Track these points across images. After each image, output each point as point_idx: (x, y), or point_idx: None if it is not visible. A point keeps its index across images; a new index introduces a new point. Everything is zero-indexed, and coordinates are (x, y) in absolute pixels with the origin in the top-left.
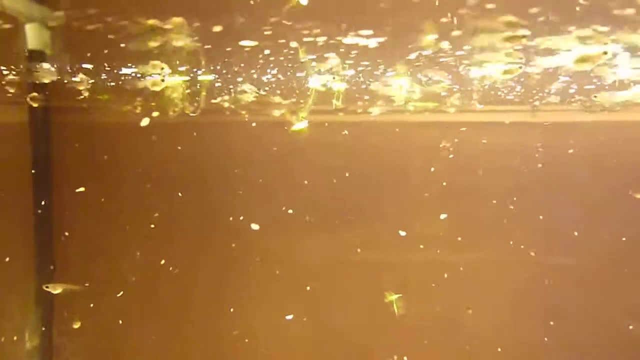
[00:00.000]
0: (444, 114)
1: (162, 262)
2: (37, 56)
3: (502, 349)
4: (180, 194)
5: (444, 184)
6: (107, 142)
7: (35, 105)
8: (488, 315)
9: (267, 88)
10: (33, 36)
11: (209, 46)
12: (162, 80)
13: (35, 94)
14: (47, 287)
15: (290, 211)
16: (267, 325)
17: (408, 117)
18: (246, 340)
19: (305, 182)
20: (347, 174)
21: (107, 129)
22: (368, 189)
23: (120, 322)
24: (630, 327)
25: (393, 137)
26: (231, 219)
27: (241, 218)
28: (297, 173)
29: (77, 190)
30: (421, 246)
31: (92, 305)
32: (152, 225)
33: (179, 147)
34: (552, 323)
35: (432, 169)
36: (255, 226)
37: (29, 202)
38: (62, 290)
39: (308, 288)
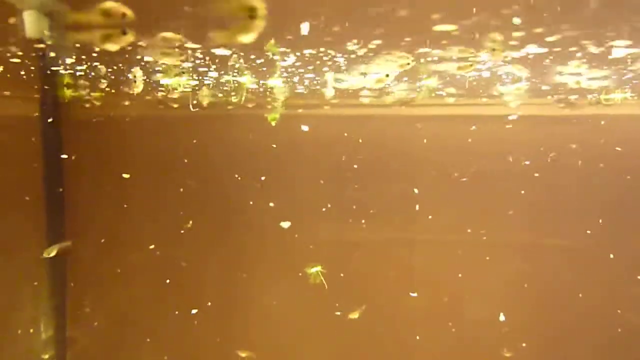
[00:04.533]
0: (448, 107)
1: (174, 253)
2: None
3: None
4: (192, 185)
5: (455, 174)
6: (117, 133)
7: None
8: (490, 299)
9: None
10: (31, 24)
11: None
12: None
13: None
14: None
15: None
16: (284, 307)
17: (413, 111)
18: (260, 326)
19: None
20: (355, 166)
21: (117, 121)
22: (375, 180)
23: (133, 312)
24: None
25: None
26: (243, 208)
27: (254, 208)
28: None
29: (88, 181)
30: (429, 231)
31: (105, 296)
32: (166, 216)
33: (189, 139)
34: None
35: (439, 159)
36: (269, 215)
37: (41, 195)
38: (57, 252)
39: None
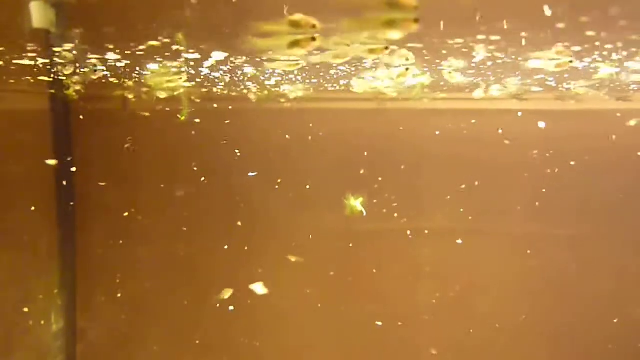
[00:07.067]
0: (459, 101)
1: (181, 246)
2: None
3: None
4: (202, 180)
5: (463, 163)
6: (126, 129)
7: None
8: (495, 292)
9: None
10: (38, 15)
11: None
12: None
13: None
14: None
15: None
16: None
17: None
18: (270, 310)
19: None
20: (366, 154)
21: (126, 115)
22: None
23: (142, 303)
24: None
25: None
26: (248, 202)
27: (258, 202)
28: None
29: (98, 176)
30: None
31: (114, 288)
32: (174, 210)
33: (196, 134)
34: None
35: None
36: (277, 211)
37: (52, 189)
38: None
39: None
